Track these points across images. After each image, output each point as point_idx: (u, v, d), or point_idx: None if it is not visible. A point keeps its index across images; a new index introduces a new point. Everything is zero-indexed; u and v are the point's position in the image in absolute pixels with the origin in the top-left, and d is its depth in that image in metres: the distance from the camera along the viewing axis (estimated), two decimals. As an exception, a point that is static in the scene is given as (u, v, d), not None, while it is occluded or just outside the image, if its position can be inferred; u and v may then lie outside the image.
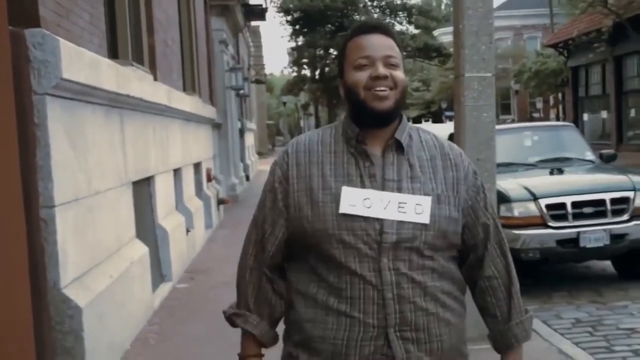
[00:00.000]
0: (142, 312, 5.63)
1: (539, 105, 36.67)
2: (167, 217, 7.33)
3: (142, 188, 6.43)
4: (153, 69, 7.19)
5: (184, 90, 9.59)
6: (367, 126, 1.84)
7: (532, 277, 7.27)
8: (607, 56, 26.82)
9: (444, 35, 60.04)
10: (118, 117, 5.46)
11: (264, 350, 1.95)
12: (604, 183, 6.83)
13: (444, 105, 49.57)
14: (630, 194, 6.63)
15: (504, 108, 49.16)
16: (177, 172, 8.40)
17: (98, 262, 4.61)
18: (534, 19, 51.87)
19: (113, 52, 5.74)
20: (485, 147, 5.01)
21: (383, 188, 1.80)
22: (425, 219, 1.79)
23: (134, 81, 5.73)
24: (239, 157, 19.55)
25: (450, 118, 46.03)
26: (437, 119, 47.51)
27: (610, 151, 8.42)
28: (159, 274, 6.77)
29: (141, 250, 5.83)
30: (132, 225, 5.81)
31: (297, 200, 1.82)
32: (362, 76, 1.80)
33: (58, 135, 3.92)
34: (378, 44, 1.83)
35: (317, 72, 15.29)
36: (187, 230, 8.22)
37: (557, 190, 6.69)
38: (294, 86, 18.82)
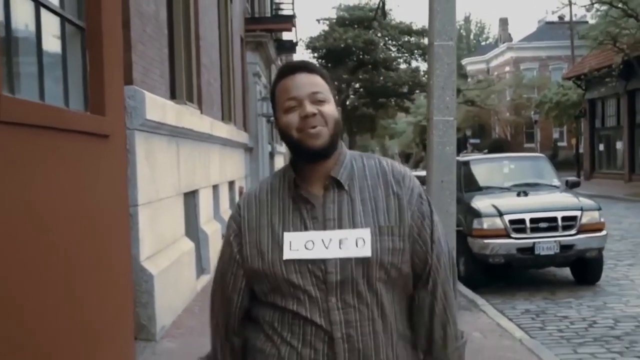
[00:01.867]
0: (189, 291, 7.41)
1: (555, 135, 37.92)
2: (207, 223, 9.14)
3: (190, 199, 8.25)
4: (200, 104, 9.05)
5: (222, 119, 11.46)
6: (308, 163, 1.85)
7: (502, 280, 8.93)
8: (621, 90, 28.24)
9: (470, 64, 61.90)
10: (175, 144, 7.28)
11: None
12: (558, 204, 8.47)
13: (468, 133, 51.09)
14: (578, 213, 8.27)
15: (528, 137, 50.50)
16: (215, 188, 10.22)
17: (161, 248, 6.40)
18: (560, 50, 52.65)
19: (172, 94, 7.59)
20: (447, 172, 6.71)
21: (324, 228, 1.79)
22: (366, 252, 1.76)
23: (187, 116, 7.57)
24: (269, 178, 21.33)
25: (474, 145, 47.56)
26: (462, 145, 49.07)
27: (575, 179, 10.07)
28: (200, 266, 8.55)
29: (189, 245, 7.63)
30: (183, 225, 7.61)
31: (249, 253, 1.83)
32: (292, 118, 1.80)
33: (141, 158, 5.73)
34: (302, 83, 1.82)
35: (339, 102, 17.06)
36: (222, 236, 9.99)
37: (519, 209, 8.36)
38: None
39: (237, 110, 13.86)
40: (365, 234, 1.78)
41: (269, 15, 19.78)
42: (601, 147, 33.14)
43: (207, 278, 8.65)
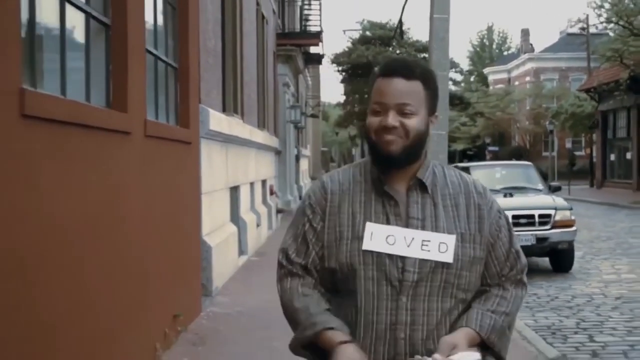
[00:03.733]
0: (233, 266, 9.28)
1: (568, 145, 39.41)
2: (245, 213, 11.03)
3: (234, 192, 10.14)
4: (242, 115, 10.94)
5: (258, 126, 13.35)
6: (384, 166, 1.85)
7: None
8: (631, 103, 29.71)
9: (492, 73, 63.34)
10: (225, 148, 9.16)
11: None
12: (536, 204, 10.22)
13: (487, 140, 52.57)
14: (552, 212, 10.01)
15: (545, 145, 51.71)
16: (252, 185, 12.12)
17: (215, 229, 8.28)
18: (580, 62, 53.33)
19: (224, 108, 9.47)
20: (440, 175, 8.50)
21: (407, 225, 1.82)
22: (448, 257, 1.78)
23: (234, 125, 9.45)
24: (294, 179, 23.27)
25: (493, 153, 49.04)
26: (481, 152, 50.55)
27: (557, 184, 11.82)
28: (240, 249, 10.43)
29: (233, 229, 9.51)
30: (228, 213, 9.50)
31: (327, 237, 1.86)
32: (374, 121, 1.81)
33: (204, 159, 7.60)
34: (394, 91, 1.80)
35: (361, 112, 18.76)
36: (257, 225, 11.90)
37: (503, 207, 10.08)
38: (344, 121, 22.41)
39: (269, 117, 15.77)
40: (449, 239, 1.80)
41: (298, 29, 21.65)
42: (612, 157, 34.58)
43: (245, 258, 10.54)
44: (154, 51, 5.45)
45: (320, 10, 21.05)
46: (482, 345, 1.86)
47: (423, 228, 1.81)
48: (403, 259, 1.78)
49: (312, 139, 37.48)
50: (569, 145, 39.60)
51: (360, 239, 1.82)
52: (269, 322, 6.04)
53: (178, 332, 5.63)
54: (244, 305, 7.27)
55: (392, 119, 1.79)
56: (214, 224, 8.24)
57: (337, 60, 19.18)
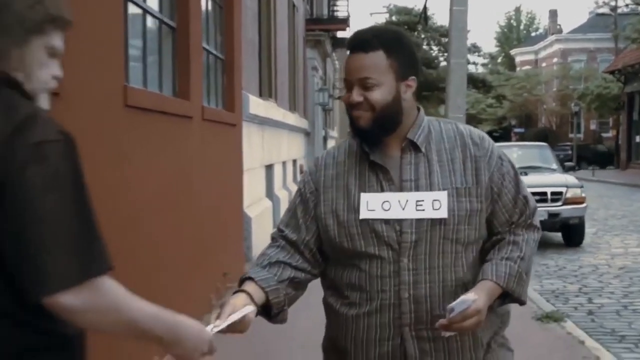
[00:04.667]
0: (268, 237, 10.18)
1: (593, 126, 39.64)
2: (279, 190, 11.94)
3: (269, 170, 11.05)
4: (276, 98, 11.81)
5: (290, 109, 14.22)
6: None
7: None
8: (657, 85, 29.99)
9: (519, 55, 63.36)
10: (261, 130, 10.05)
11: None
12: (548, 182, 10.97)
13: (513, 122, 52.90)
14: (564, 189, 10.76)
15: (573, 127, 51.81)
16: (284, 164, 13.01)
17: (253, 202, 9.20)
18: (608, 42, 53.01)
19: (260, 93, 10.35)
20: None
21: (401, 189, 1.84)
22: (443, 213, 1.80)
23: (269, 109, 10.33)
24: (322, 159, 24.12)
25: (518, 134, 49.40)
26: (507, 134, 50.92)
27: (571, 164, 12.55)
28: (274, 222, 11.35)
29: (268, 204, 10.43)
30: (264, 189, 10.41)
31: (323, 210, 1.90)
32: (345, 98, 1.86)
33: (245, 139, 8.49)
34: (354, 67, 1.83)
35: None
36: (289, 201, 12.80)
37: (518, 185, 10.90)
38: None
39: (299, 100, 16.63)
40: (441, 196, 1.81)
41: (326, 14, 22.41)
42: (638, 138, 34.85)
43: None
44: (207, 47, 6.34)
45: (347, -4, 21.82)
46: (503, 293, 1.87)
47: (417, 188, 1.83)
48: (400, 221, 1.81)
49: (339, 120, 38.30)
50: (593, 126, 39.77)
51: (356, 210, 1.84)
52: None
53: (227, 287, 6.57)
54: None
55: (356, 95, 1.82)
56: (253, 199, 9.15)
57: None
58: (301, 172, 16.14)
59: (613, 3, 37.84)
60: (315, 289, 2.13)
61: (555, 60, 56.61)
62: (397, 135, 1.88)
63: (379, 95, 1.81)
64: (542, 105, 53.77)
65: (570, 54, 56.00)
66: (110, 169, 3.59)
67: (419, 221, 1.81)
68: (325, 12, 22.94)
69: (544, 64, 58.23)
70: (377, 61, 1.81)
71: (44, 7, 1.47)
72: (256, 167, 9.43)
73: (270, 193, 11.09)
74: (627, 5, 26.54)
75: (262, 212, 9.56)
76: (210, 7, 6.61)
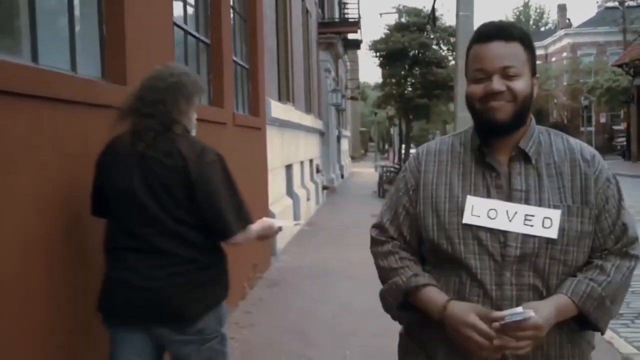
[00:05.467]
0: (290, 233, 10.84)
1: (603, 120, 39.96)
2: (298, 189, 12.56)
3: (289, 170, 11.67)
4: (293, 102, 12.43)
5: (306, 111, 14.84)
6: (488, 135, 1.77)
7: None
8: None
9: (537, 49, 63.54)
10: (281, 132, 10.67)
11: None
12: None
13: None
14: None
15: (584, 120, 52.20)
16: (302, 163, 13.63)
17: (276, 200, 9.81)
18: (617, 36, 53.20)
19: (279, 97, 10.97)
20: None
21: (510, 199, 1.74)
22: (553, 233, 1.69)
23: (287, 111, 10.95)
24: (336, 159, 24.77)
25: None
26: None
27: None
28: (294, 218, 11.97)
29: (289, 201, 11.05)
30: (285, 188, 11.03)
31: (422, 209, 1.81)
32: (477, 89, 1.74)
33: (267, 141, 9.12)
34: (495, 55, 1.72)
35: (398, 94, 20.09)
36: (307, 199, 13.43)
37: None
38: (382, 102, 23.73)
39: (314, 102, 17.24)
40: (554, 214, 1.71)
41: (337, 17, 23.01)
42: (648, 131, 35.20)
43: (299, 227, 12.10)
44: (235, 59, 6.96)
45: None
46: (581, 318, 1.75)
47: (526, 201, 1.73)
48: (505, 233, 1.71)
49: (351, 120, 38.95)
50: (603, 119, 40.10)
51: (459, 212, 1.75)
52: (323, 273, 7.93)
53: (257, 277, 7.21)
54: (302, 262, 8.83)
55: (498, 84, 1.71)
56: (275, 197, 9.78)
57: (374, 46, 20.51)
58: (317, 171, 16.75)
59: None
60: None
61: (565, 54, 56.87)
62: (509, 141, 1.79)
63: (522, 85, 1.73)
64: (553, 99, 54.08)
65: (580, 48, 56.23)
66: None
67: (525, 236, 1.71)
68: (337, 14, 23.54)
69: (553, 59, 58.50)
70: (517, 51, 1.74)
71: (199, 84, 2.78)
72: (278, 167, 10.05)
73: (290, 191, 11.71)
74: (634, -1, 26.94)
75: (284, 209, 10.18)
76: (237, 22, 7.23)
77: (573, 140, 1.85)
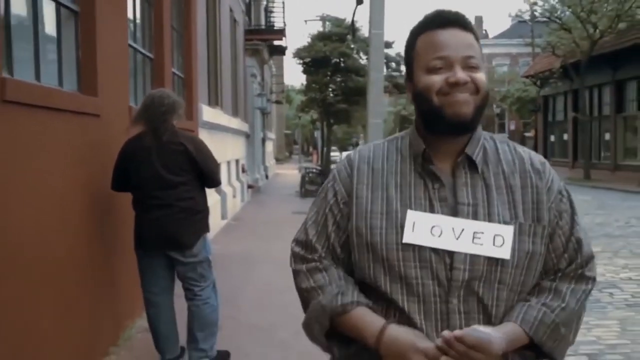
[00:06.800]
0: (217, 226, 11.85)
1: (512, 127, 42.63)
2: (225, 187, 13.57)
3: (216, 168, 12.66)
4: (222, 106, 13.43)
5: (233, 114, 15.84)
6: (440, 136, 1.54)
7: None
8: (567, 89, 32.84)
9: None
10: (210, 134, 11.63)
11: None
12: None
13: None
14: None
15: (500, 127, 55.14)
16: (229, 163, 14.64)
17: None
18: (528, 48, 56.10)
19: (209, 102, 11.96)
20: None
21: (455, 213, 1.51)
22: (505, 253, 1.49)
23: (217, 115, 11.96)
24: (261, 160, 25.81)
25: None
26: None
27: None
28: (222, 214, 12.98)
29: (217, 197, 12.06)
30: (213, 185, 12.02)
31: (355, 226, 1.56)
32: (436, 80, 1.49)
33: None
34: (456, 42, 1.51)
35: (321, 99, 21.29)
36: (233, 196, 14.45)
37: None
38: (306, 106, 24.88)
39: (240, 105, 18.25)
40: (506, 231, 1.49)
41: (263, 24, 24.06)
42: (552, 138, 37.84)
43: (226, 221, 13.14)
44: (174, 70, 7.96)
45: (283, 7, 23.58)
46: (534, 347, 1.56)
47: (475, 216, 1.51)
48: (451, 254, 1.49)
49: (276, 122, 40.05)
50: (512, 127, 42.78)
51: (398, 229, 1.51)
52: (248, 259, 9.17)
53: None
54: (230, 250, 9.91)
55: (462, 73, 1.49)
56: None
57: (298, 54, 21.68)
58: (243, 171, 17.77)
59: (529, 12, 40.71)
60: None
61: (481, 64, 59.53)
62: (454, 147, 1.56)
63: (484, 78, 1.53)
64: (469, 107, 56.56)
65: (495, 58, 59.11)
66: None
67: (474, 257, 1.49)
68: (263, 21, 24.59)
69: (470, 68, 61.16)
70: (475, 43, 1.55)
71: (180, 102, 4.39)
72: (207, 166, 11.04)
73: (218, 189, 12.71)
74: (533, 20, 29.17)
75: (213, 204, 11.15)
76: (175, 37, 8.22)
77: (521, 148, 1.65)
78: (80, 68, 4.47)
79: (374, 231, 1.53)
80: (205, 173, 4.33)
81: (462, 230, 1.49)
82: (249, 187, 18.31)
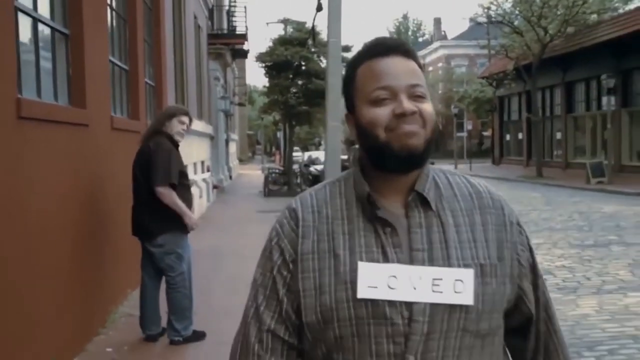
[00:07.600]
0: (186, 224, 12.44)
1: (469, 127, 43.86)
2: (192, 187, 14.16)
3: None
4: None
5: (197, 117, 16.43)
6: (388, 173, 1.39)
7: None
8: (520, 90, 34.07)
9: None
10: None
11: None
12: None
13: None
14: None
15: (459, 126, 56.43)
16: (195, 164, 15.24)
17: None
18: (485, 49, 57.48)
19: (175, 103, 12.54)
20: (335, 162, 11.85)
21: (411, 261, 1.34)
22: (467, 299, 1.34)
23: (184, 119, 12.55)
24: (225, 161, 26.39)
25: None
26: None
27: (432, 160, 15.44)
28: (189, 213, 13.57)
29: (185, 197, 12.66)
30: (181, 186, 12.64)
31: (302, 287, 1.38)
32: (382, 113, 1.35)
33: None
34: (400, 71, 1.37)
35: (282, 101, 21.88)
36: (200, 196, 15.06)
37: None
38: (269, 107, 25.43)
39: (205, 108, 18.84)
40: (465, 275, 1.34)
41: (226, 29, 24.65)
42: (508, 137, 39.13)
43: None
44: (147, 79, 8.58)
45: (245, 11, 24.23)
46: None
47: (430, 261, 1.34)
48: (410, 305, 1.31)
49: (239, 124, 40.62)
50: (470, 127, 44.00)
51: (347, 285, 1.33)
52: (218, 254, 9.90)
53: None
54: (199, 245, 10.50)
55: (409, 103, 1.33)
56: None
57: (260, 58, 22.29)
58: (208, 170, 18.37)
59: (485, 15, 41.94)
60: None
61: (440, 64, 60.97)
62: (403, 185, 1.40)
63: (430, 108, 1.38)
64: (428, 107, 57.80)
65: (453, 59, 60.48)
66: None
67: (434, 306, 1.32)
68: (225, 25, 25.17)
69: (430, 68, 62.50)
70: (418, 70, 1.41)
71: (184, 108, 5.55)
72: (176, 167, 11.66)
73: (185, 189, 13.31)
74: (495, 18, 30.22)
75: (181, 203, 11.79)
76: (146, 49, 8.84)
77: (475, 181, 1.51)
78: (70, 83, 5.09)
79: (323, 290, 1.35)
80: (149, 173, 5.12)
81: (420, 278, 1.33)
82: (214, 187, 18.92)
